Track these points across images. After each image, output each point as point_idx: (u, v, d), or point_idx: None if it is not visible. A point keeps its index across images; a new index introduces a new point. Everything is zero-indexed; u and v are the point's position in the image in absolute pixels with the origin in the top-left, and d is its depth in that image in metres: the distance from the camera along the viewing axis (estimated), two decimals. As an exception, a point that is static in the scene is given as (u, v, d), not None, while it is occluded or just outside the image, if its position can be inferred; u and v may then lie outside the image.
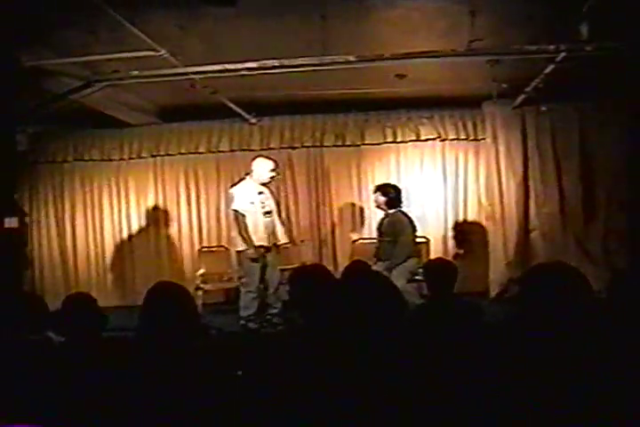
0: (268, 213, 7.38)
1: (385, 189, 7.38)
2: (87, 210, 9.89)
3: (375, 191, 7.43)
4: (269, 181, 7.49)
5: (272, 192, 7.75)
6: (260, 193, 7.37)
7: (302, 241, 9.16)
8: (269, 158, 7.54)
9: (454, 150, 9.38)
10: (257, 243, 7.17)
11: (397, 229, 7.11)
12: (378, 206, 7.45)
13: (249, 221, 7.18)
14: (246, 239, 7.15)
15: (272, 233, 7.41)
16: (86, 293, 3.89)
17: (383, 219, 7.36)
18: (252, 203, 7.26)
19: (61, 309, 3.48)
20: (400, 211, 7.30)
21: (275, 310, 7.22)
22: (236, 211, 7.23)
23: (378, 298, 2.75)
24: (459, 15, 5.70)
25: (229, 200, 7.46)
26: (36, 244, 9.87)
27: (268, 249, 7.31)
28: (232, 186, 7.66)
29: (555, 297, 2.38)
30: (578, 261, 8.03)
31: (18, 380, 2.93)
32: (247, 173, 7.58)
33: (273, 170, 7.39)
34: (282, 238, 7.61)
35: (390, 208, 7.28)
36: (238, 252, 7.36)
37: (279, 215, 7.84)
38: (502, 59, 6.43)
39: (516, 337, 2.50)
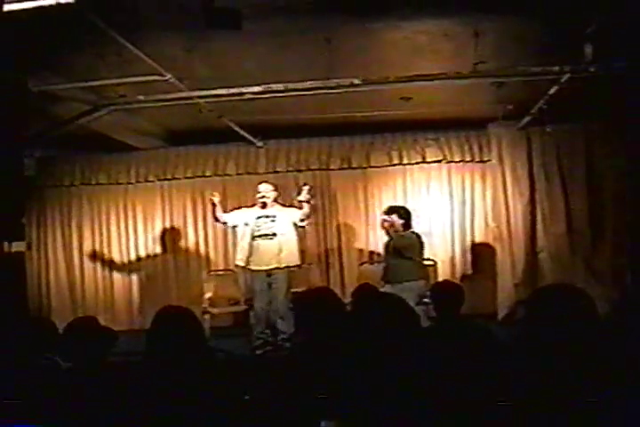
0: (264, 236, 7.31)
1: (400, 210, 7.35)
2: (94, 234, 9.90)
3: (391, 213, 7.36)
4: (261, 204, 7.44)
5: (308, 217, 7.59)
6: (260, 217, 7.36)
7: (310, 264, 9.10)
8: (263, 182, 7.72)
9: (460, 172, 9.39)
10: (252, 267, 7.31)
11: (410, 249, 7.12)
12: (389, 228, 7.39)
13: (242, 243, 7.41)
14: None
15: (274, 256, 7.27)
16: (90, 316, 3.88)
17: (392, 240, 7.32)
18: (247, 224, 7.38)
19: (64, 334, 3.47)
20: (412, 231, 7.29)
21: (284, 335, 7.05)
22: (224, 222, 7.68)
23: (393, 320, 2.73)
24: (463, 38, 5.73)
25: None
26: (44, 267, 9.88)
27: (268, 273, 7.27)
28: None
29: (560, 320, 2.37)
30: (586, 281, 7.99)
31: (25, 403, 2.92)
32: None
33: (258, 192, 7.48)
34: (284, 262, 7.31)
35: (405, 230, 7.26)
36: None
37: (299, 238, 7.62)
38: (507, 80, 6.46)
39: (523, 359, 2.48)
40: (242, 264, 7.39)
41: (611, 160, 8.61)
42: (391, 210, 7.36)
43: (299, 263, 7.54)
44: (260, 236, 7.31)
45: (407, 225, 7.21)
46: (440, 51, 6.20)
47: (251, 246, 7.31)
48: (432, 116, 8.63)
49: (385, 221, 7.27)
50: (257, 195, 7.49)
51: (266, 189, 7.46)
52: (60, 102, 6.93)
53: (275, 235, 7.31)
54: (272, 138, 9.47)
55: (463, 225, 9.35)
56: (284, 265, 7.29)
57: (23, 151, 7.05)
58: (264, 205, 7.43)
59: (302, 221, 7.42)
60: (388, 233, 7.31)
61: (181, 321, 3.04)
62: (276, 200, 7.57)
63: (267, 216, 7.37)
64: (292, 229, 7.44)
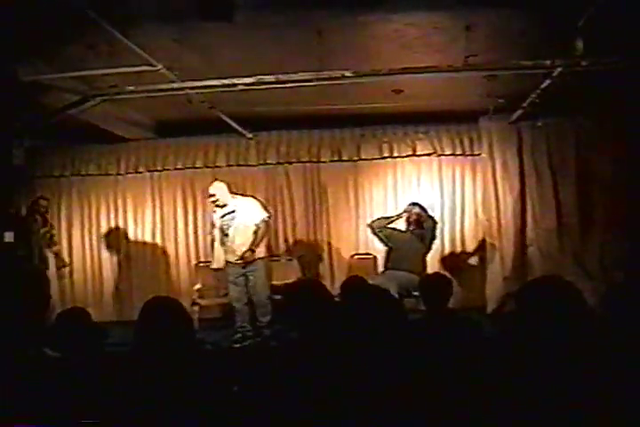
0: (229, 233, 7.41)
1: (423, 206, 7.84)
2: (84, 224, 9.87)
3: (417, 207, 7.80)
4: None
5: (264, 208, 7.76)
6: (224, 215, 7.46)
7: (289, 259, 9.17)
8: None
9: (451, 165, 9.40)
10: (229, 259, 7.44)
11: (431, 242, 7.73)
12: (412, 221, 7.72)
13: (217, 245, 7.64)
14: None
15: (239, 249, 7.32)
16: (80, 308, 3.86)
17: (424, 230, 7.65)
18: (215, 226, 7.63)
19: (55, 325, 3.46)
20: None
21: (261, 323, 7.32)
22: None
23: (381, 313, 2.73)
24: (455, 30, 5.73)
25: None
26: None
27: (242, 265, 7.35)
28: None
29: (548, 313, 2.38)
30: (575, 275, 8.00)
31: (16, 395, 2.91)
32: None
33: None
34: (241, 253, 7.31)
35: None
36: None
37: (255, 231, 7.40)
38: (498, 74, 6.45)
39: (512, 352, 2.49)
40: (220, 266, 7.57)
41: (601, 155, 8.63)
42: (416, 204, 7.86)
43: (254, 257, 7.34)
44: (227, 234, 7.41)
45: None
46: (431, 44, 6.19)
47: (222, 244, 7.50)
48: (423, 109, 8.63)
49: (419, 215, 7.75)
50: None
51: (210, 191, 7.56)
52: (49, 92, 6.88)
53: (237, 229, 7.38)
54: (262, 130, 9.46)
55: (453, 218, 9.36)
56: (237, 258, 7.33)
57: (12, 141, 7.02)
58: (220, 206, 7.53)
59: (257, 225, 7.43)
60: (410, 224, 7.74)
61: (170, 312, 3.03)
62: (233, 193, 7.73)
63: (230, 213, 7.45)
64: (250, 223, 7.42)
